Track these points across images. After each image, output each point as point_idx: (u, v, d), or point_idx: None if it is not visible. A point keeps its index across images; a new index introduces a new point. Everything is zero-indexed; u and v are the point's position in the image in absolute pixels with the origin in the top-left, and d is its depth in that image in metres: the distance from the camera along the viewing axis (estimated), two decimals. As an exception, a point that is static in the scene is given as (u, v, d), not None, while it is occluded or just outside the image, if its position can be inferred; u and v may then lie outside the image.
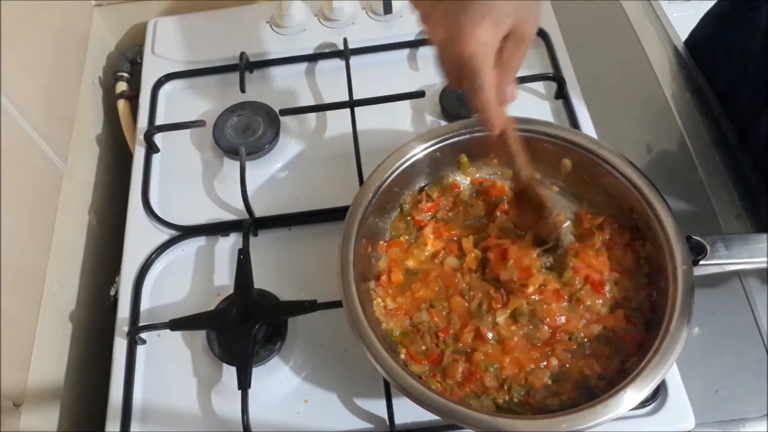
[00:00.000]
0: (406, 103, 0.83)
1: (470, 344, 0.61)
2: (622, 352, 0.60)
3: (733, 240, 0.60)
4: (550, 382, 0.59)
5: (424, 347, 0.61)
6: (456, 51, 0.51)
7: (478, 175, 0.72)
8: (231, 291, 0.68)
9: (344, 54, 0.87)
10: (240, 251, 0.69)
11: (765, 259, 0.59)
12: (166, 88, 0.89)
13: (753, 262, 0.59)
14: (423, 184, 0.71)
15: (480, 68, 0.52)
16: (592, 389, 0.58)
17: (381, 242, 0.68)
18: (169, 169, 0.82)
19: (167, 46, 0.93)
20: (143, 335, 0.69)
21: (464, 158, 0.71)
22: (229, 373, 0.65)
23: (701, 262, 0.59)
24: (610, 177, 0.65)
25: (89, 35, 0.93)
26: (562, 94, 0.82)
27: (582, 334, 0.61)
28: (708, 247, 0.59)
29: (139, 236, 0.76)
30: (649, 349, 0.55)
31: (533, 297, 0.62)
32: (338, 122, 0.83)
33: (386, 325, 0.63)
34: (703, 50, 0.89)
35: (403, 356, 0.61)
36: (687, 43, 0.91)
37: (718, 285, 0.70)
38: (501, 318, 0.62)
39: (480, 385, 0.59)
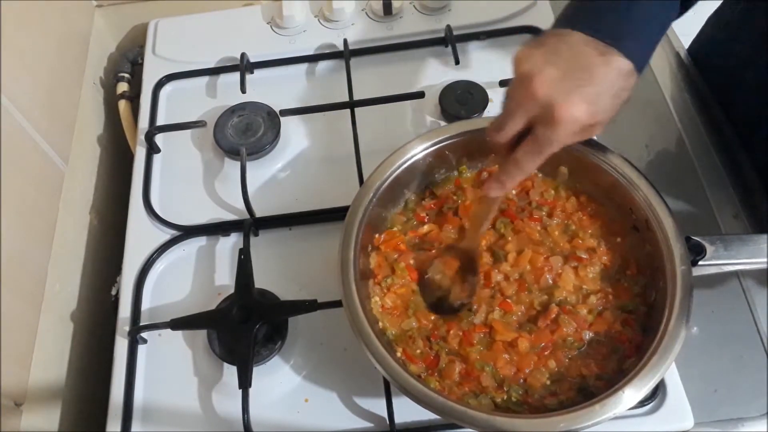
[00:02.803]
0: (406, 103, 0.83)
1: (458, 348, 0.61)
2: (620, 353, 0.60)
3: (732, 241, 0.60)
4: (548, 382, 0.59)
5: (418, 350, 0.62)
6: (551, 113, 0.51)
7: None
8: (232, 291, 0.68)
9: (344, 55, 0.87)
10: (241, 251, 0.69)
11: (764, 259, 0.59)
12: (167, 88, 0.90)
13: (752, 262, 0.60)
14: (423, 184, 0.71)
15: (557, 139, 0.52)
16: (590, 389, 0.58)
17: (376, 235, 0.68)
18: (170, 169, 0.82)
19: (168, 47, 0.93)
20: (144, 335, 0.69)
21: (464, 164, 0.71)
22: (230, 372, 0.65)
23: (700, 263, 0.59)
24: (610, 177, 0.65)
25: (90, 36, 0.93)
26: (561, 94, 0.82)
27: (573, 339, 0.61)
28: (707, 248, 0.59)
29: (140, 236, 0.76)
30: (647, 349, 0.55)
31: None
32: (338, 122, 0.83)
33: (383, 324, 0.63)
34: (704, 54, 0.89)
35: (399, 354, 0.61)
36: (691, 49, 0.91)
37: (717, 285, 0.70)
38: (480, 317, 0.62)
39: (477, 384, 0.59)
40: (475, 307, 0.63)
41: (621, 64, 0.52)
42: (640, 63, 0.54)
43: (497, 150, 0.59)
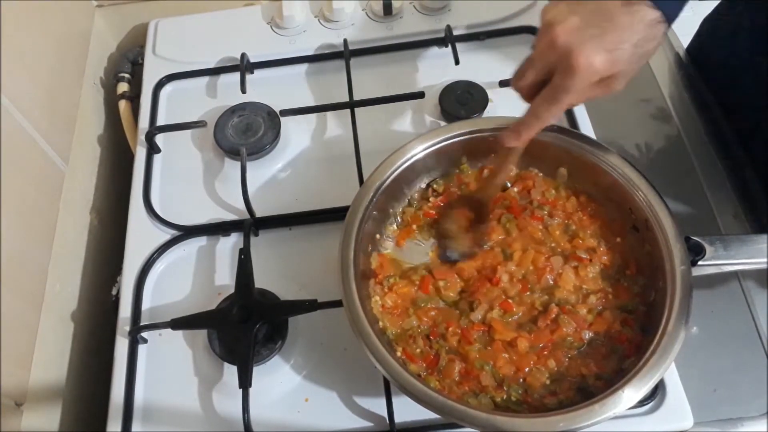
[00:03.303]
0: (406, 103, 0.83)
1: (457, 346, 0.62)
2: (619, 353, 0.60)
3: (731, 241, 0.61)
4: (548, 381, 0.59)
5: (418, 350, 0.62)
6: (568, 60, 0.51)
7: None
8: (232, 290, 0.68)
9: (344, 54, 0.87)
10: (241, 251, 0.69)
11: (764, 259, 0.59)
12: (168, 88, 0.90)
13: (751, 262, 0.60)
14: (423, 184, 0.71)
15: (573, 88, 0.52)
16: (589, 389, 0.58)
17: (394, 227, 0.70)
18: (170, 169, 0.82)
19: (168, 47, 0.93)
20: (144, 334, 0.69)
21: (464, 163, 0.71)
22: (230, 372, 0.65)
23: (700, 263, 0.59)
24: (610, 177, 0.65)
25: (90, 36, 0.93)
26: (561, 94, 0.82)
27: (572, 339, 0.61)
28: (706, 248, 0.60)
29: (141, 236, 0.76)
30: (647, 349, 0.55)
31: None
32: (338, 123, 0.83)
33: (383, 323, 0.63)
34: (704, 53, 0.89)
35: (399, 353, 0.61)
36: (690, 48, 0.91)
37: (716, 285, 0.70)
38: (479, 315, 0.62)
39: (477, 383, 0.59)
40: (476, 303, 0.63)
41: (645, 12, 0.52)
42: (670, 13, 0.53)
43: (521, 94, 0.59)
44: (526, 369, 0.60)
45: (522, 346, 0.60)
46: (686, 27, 0.92)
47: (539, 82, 0.56)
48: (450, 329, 0.62)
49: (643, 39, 0.52)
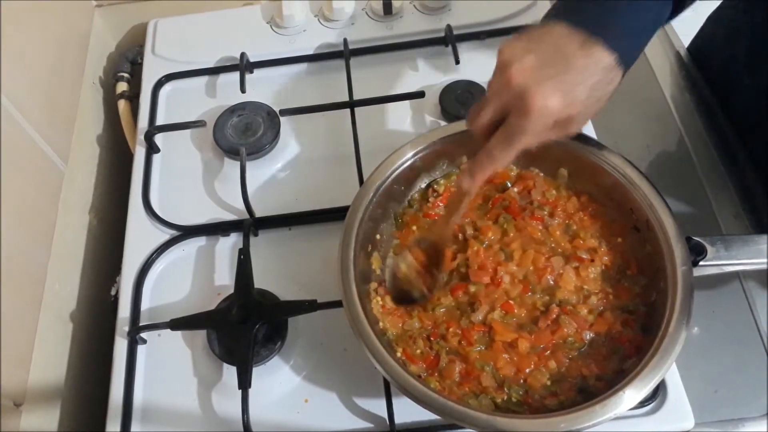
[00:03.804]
0: (406, 103, 0.83)
1: (457, 347, 0.61)
2: (620, 354, 0.60)
3: (733, 241, 0.60)
4: (548, 382, 0.59)
5: (419, 351, 0.62)
6: (523, 101, 0.51)
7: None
8: (231, 291, 0.68)
9: (344, 54, 0.87)
10: (240, 251, 0.69)
11: (765, 260, 0.59)
12: (167, 88, 0.90)
13: (753, 263, 0.60)
14: (423, 184, 0.71)
15: (528, 129, 0.51)
16: (590, 389, 0.58)
17: (395, 230, 0.69)
18: (169, 169, 0.82)
19: (168, 47, 0.93)
20: (144, 335, 0.69)
21: (465, 163, 0.71)
22: (230, 372, 0.65)
23: (701, 263, 0.59)
24: (611, 177, 0.65)
25: (90, 36, 0.93)
26: (561, 94, 0.82)
27: (573, 339, 0.61)
28: (708, 248, 0.59)
29: (140, 236, 0.76)
30: (647, 350, 0.55)
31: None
32: (338, 122, 0.83)
33: (383, 324, 0.63)
34: (705, 53, 0.89)
35: (399, 354, 0.61)
36: (691, 47, 0.91)
37: (717, 285, 0.70)
38: (479, 316, 0.62)
39: (477, 384, 0.59)
40: (476, 304, 0.63)
41: (602, 55, 0.51)
42: (626, 58, 0.53)
43: (476, 139, 0.57)
44: (527, 370, 0.60)
45: (523, 347, 0.60)
46: (688, 27, 0.91)
47: (495, 122, 0.55)
48: (450, 330, 0.62)
49: (600, 82, 0.52)
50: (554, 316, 0.61)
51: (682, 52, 0.90)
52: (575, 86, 0.51)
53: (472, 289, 0.64)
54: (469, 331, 0.62)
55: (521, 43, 0.53)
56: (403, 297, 0.64)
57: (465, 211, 0.63)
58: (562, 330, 0.61)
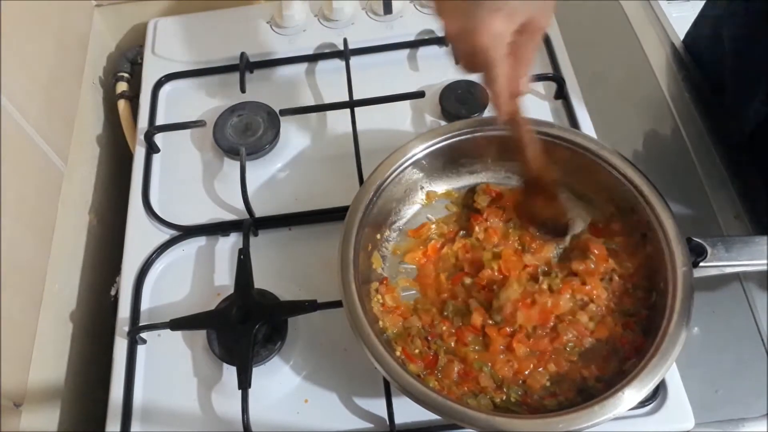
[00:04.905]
0: (406, 103, 0.83)
1: (454, 347, 0.61)
2: (620, 355, 0.59)
3: (733, 242, 0.60)
4: (548, 383, 0.59)
5: (417, 350, 0.62)
6: (470, 43, 0.53)
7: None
8: (231, 291, 0.68)
9: (344, 54, 0.87)
10: (240, 251, 0.69)
11: (765, 261, 0.59)
12: (167, 88, 0.90)
13: (753, 264, 0.59)
14: (423, 184, 0.71)
15: (492, 60, 0.53)
16: (590, 390, 0.58)
17: (409, 230, 0.69)
18: (169, 169, 0.82)
19: (168, 47, 0.93)
20: (143, 335, 0.69)
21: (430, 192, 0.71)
22: (230, 372, 0.65)
23: (701, 264, 0.59)
24: (611, 177, 0.65)
25: (89, 35, 0.93)
26: (561, 94, 0.82)
27: (573, 344, 0.61)
28: (708, 249, 0.59)
29: (140, 236, 0.76)
30: (647, 351, 0.55)
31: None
32: (338, 122, 0.83)
33: (383, 323, 0.63)
34: (700, 48, 0.89)
35: (398, 353, 0.61)
36: (685, 41, 0.91)
37: (717, 285, 0.70)
38: (473, 320, 0.62)
39: (476, 384, 0.59)
40: (472, 305, 0.63)
41: None
42: None
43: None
44: (526, 371, 0.59)
45: (520, 351, 0.60)
46: (687, 26, 0.92)
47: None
48: (445, 328, 0.62)
49: None
50: (552, 324, 0.61)
51: (682, 52, 0.90)
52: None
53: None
54: (462, 332, 0.62)
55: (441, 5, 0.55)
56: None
57: (532, 140, 0.62)
58: (561, 338, 0.60)
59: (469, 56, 0.55)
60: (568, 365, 0.60)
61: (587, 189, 0.68)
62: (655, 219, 0.61)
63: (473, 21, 0.52)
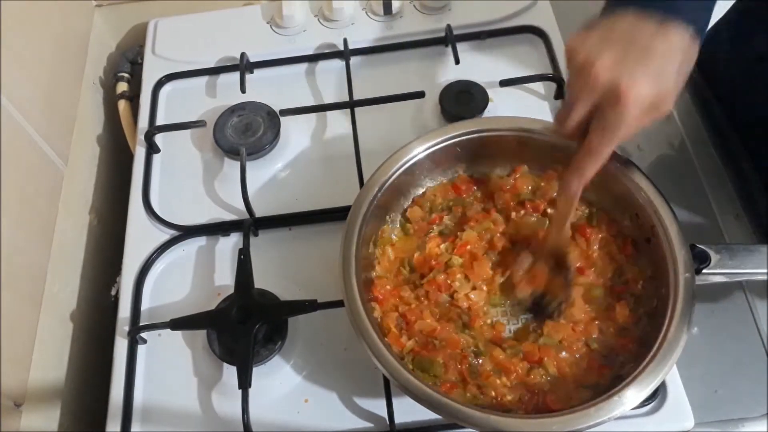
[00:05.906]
0: (406, 103, 0.83)
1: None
2: (619, 361, 0.59)
3: (737, 250, 0.60)
4: (547, 386, 0.59)
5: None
6: (616, 94, 0.51)
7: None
8: (231, 291, 0.68)
9: (344, 54, 0.87)
10: (240, 251, 0.69)
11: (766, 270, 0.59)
12: (167, 88, 0.90)
13: (756, 273, 0.59)
14: (423, 184, 0.71)
15: (626, 121, 0.52)
16: (590, 390, 0.58)
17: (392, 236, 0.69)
18: (169, 169, 0.82)
19: (168, 47, 0.93)
20: (144, 335, 0.69)
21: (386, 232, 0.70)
22: (230, 372, 0.65)
23: (704, 271, 0.59)
24: (616, 181, 0.64)
25: (90, 35, 0.93)
26: (561, 94, 0.82)
27: (567, 354, 0.61)
28: (712, 256, 0.59)
29: (140, 236, 0.76)
30: (646, 356, 0.54)
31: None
32: (338, 122, 0.83)
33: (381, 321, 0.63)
34: (704, 53, 0.88)
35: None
36: None
37: (718, 285, 0.69)
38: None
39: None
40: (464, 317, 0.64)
41: (681, 35, 0.51)
42: (700, 26, 0.53)
43: (569, 137, 0.58)
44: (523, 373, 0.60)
45: (513, 364, 0.60)
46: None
47: (585, 122, 0.56)
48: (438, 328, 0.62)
49: (683, 62, 0.52)
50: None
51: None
52: (662, 70, 0.51)
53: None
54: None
55: (593, 38, 0.53)
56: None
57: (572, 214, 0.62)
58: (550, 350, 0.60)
59: (594, 101, 0.53)
60: (568, 367, 0.60)
61: (590, 191, 0.68)
62: (660, 224, 0.60)
63: (628, 74, 0.50)
